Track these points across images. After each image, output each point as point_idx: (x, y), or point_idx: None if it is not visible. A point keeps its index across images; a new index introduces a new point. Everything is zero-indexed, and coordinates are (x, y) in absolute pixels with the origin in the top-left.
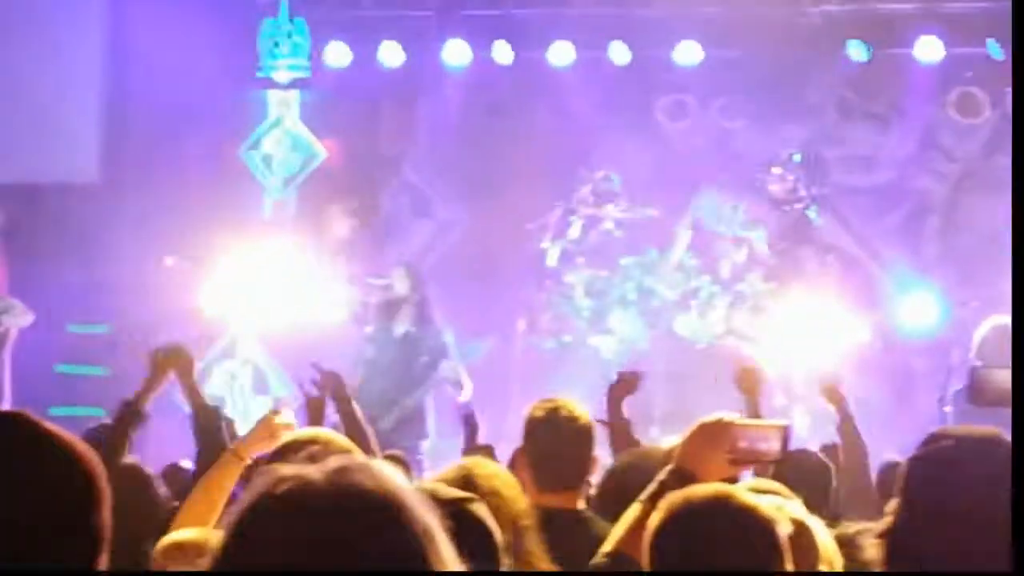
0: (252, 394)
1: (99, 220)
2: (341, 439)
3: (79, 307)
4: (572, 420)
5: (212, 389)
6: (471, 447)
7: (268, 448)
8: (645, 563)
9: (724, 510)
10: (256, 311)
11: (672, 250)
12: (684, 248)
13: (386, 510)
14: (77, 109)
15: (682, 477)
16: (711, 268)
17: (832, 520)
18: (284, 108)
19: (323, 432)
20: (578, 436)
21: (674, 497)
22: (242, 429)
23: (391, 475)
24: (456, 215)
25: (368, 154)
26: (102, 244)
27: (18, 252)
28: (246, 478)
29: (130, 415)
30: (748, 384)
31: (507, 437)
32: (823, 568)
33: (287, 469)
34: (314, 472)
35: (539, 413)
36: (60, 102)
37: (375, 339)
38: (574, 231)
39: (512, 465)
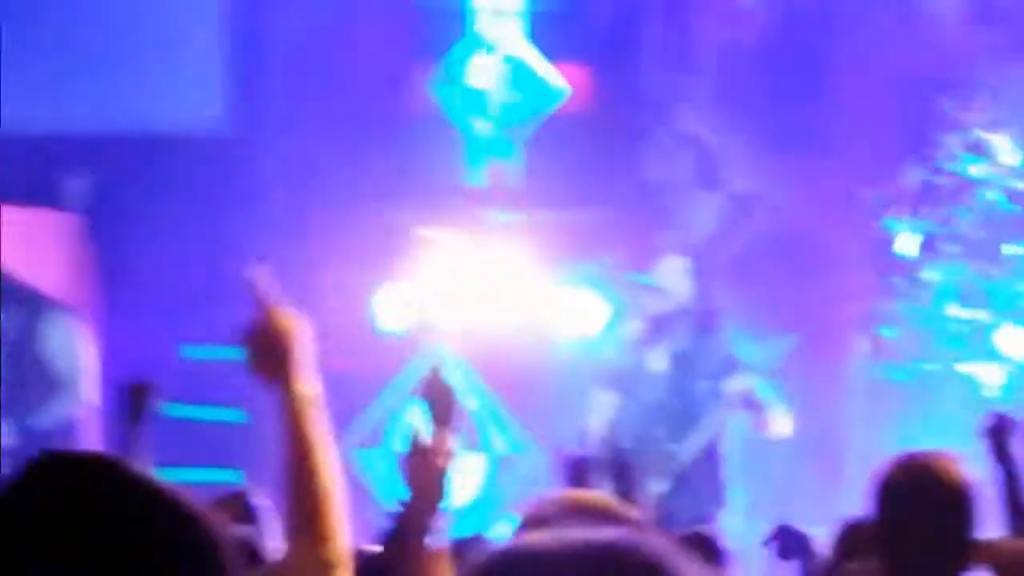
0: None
1: (226, 189)
2: (626, 510)
3: (196, 317)
4: (947, 485)
5: (400, 439)
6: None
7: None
8: None
9: None
10: (461, 327)
11: None
12: None
13: None
14: (197, 40)
15: None
16: None
17: None
18: (500, 23)
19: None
20: (955, 508)
21: None
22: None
23: (658, 556)
24: (757, 184)
25: (627, 94)
26: (228, 224)
27: (109, 232)
28: None
29: None
30: None
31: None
32: None
33: (522, 539)
34: (552, 543)
35: (899, 475)
36: (174, 32)
37: (635, 366)
38: (938, 204)
39: (852, 544)
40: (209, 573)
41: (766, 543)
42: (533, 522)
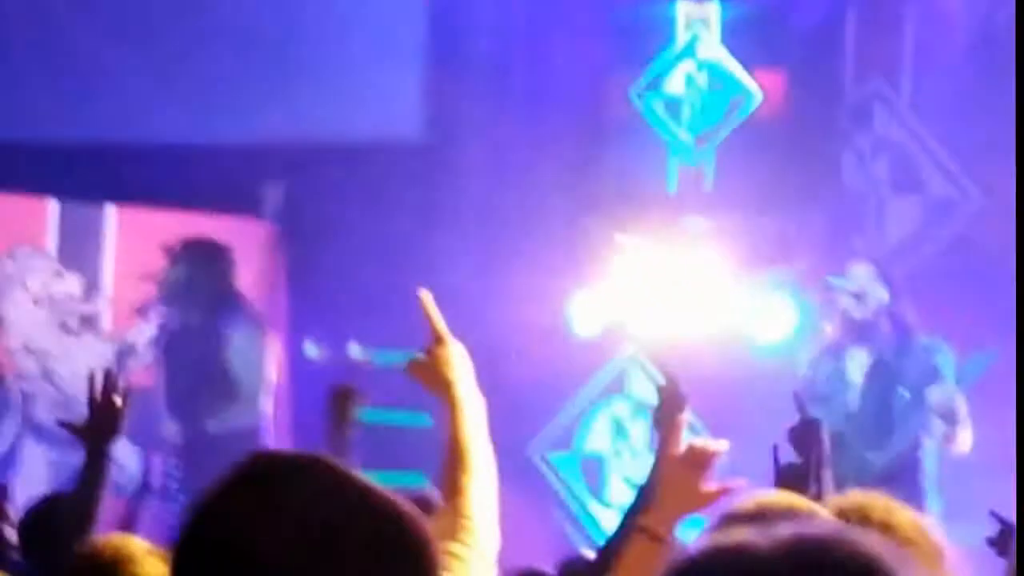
0: (647, 453)
1: (422, 195)
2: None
3: (387, 323)
4: None
5: (591, 442)
6: None
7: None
8: None
9: None
10: (656, 331)
11: None
12: None
13: None
14: (397, 48)
15: None
16: None
17: None
18: (699, 27)
19: (801, 501)
20: None
21: None
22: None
23: (873, 552)
24: (961, 189)
25: (825, 97)
26: (423, 230)
27: (303, 242)
28: None
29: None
30: None
31: None
32: None
33: (726, 536)
34: (760, 540)
35: None
36: (374, 40)
37: (833, 372)
38: None
39: None
40: (418, 570)
41: (992, 542)
42: (727, 522)
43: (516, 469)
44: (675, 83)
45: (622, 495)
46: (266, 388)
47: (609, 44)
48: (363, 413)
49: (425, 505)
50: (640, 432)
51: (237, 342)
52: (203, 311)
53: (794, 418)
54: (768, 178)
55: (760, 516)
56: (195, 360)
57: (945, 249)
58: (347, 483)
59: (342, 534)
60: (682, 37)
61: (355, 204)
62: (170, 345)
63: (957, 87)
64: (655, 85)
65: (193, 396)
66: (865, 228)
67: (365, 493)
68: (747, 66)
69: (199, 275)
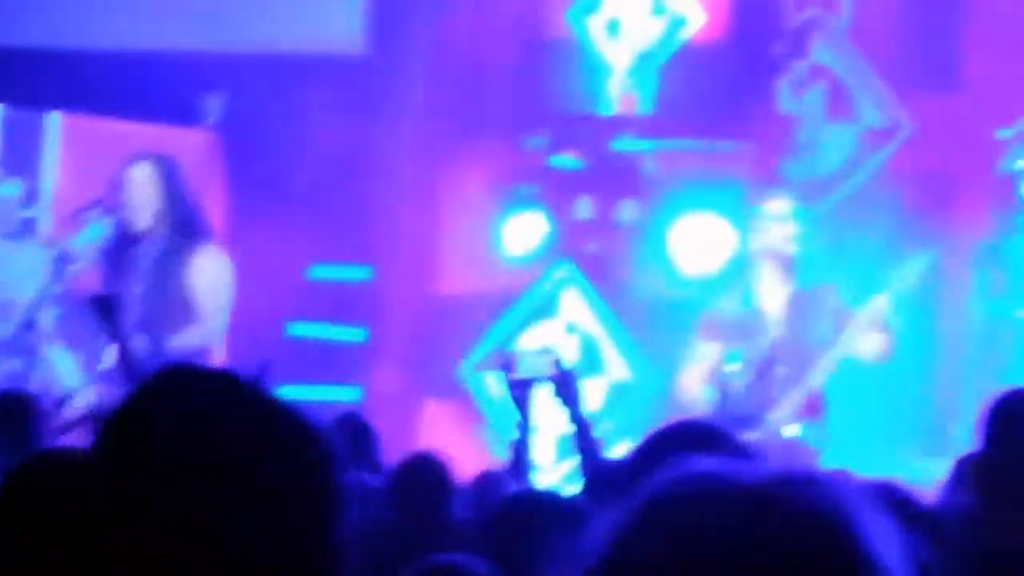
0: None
1: (363, 111)
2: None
3: (327, 240)
4: None
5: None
6: None
7: None
8: None
9: None
10: (587, 253)
11: None
12: None
13: (824, 540)
14: None
15: None
16: None
17: None
18: None
19: None
20: None
21: None
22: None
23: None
24: (891, 118)
25: (761, 22)
26: (366, 146)
27: (241, 154)
28: None
29: None
30: None
31: None
32: None
33: (704, 463)
34: (743, 474)
35: (1008, 408)
36: None
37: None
38: None
39: (957, 484)
40: (318, 488)
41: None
42: (653, 447)
43: (447, 386)
44: (614, 5)
45: (547, 415)
46: (226, 312)
47: None
48: (296, 327)
49: (354, 422)
50: (570, 353)
51: (201, 266)
52: (151, 221)
53: None
54: (705, 102)
55: (685, 442)
56: (144, 272)
57: (873, 180)
58: (252, 397)
59: (236, 448)
60: None
61: (295, 115)
62: (111, 254)
63: (895, 16)
64: (593, 6)
65: (146, 311)
66: (798, 154)
67: (268, 409)
68: None
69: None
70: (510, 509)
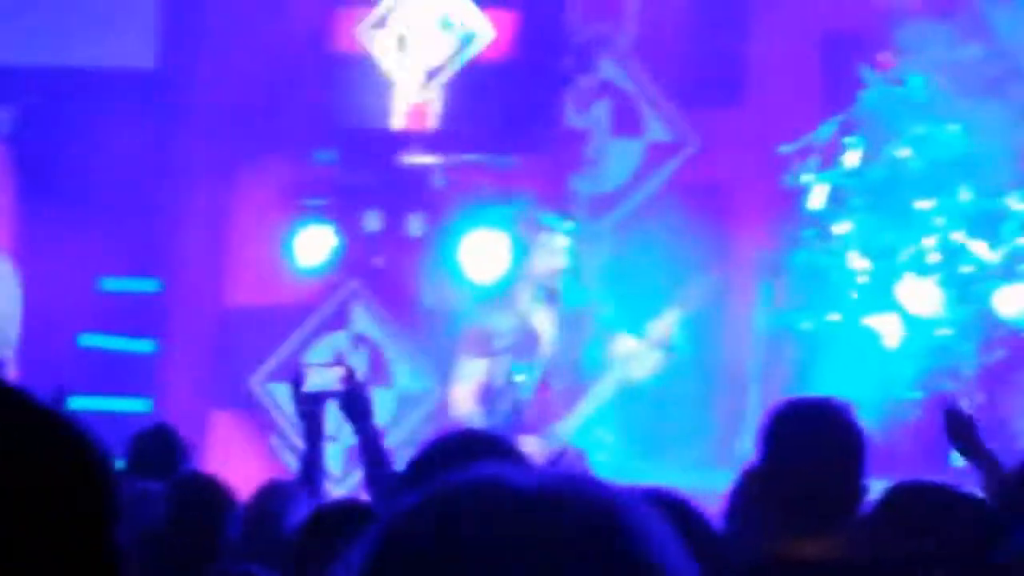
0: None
1: (154, 124)
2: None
3: (117, 252)
4: (838, 427)
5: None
6: None
7: None
8: None
9: None
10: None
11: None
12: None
13: (597, 536)
14: None
15: None
16: None
17: None
18: None
19: None
20: (846, 451)
21: None
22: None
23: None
24: (676, 133)
25: (549, 38)
26: (157, 159)
27: (32, 166)
28: None
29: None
30: None
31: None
32: None
33: (480, 468)
34: (515, 474)
35: (787, 418)
36: None
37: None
38: (852, 158)
39: (739, 495)
40: (89, 499)
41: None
42: (434, 455)
43: (239, 398)
44: (404, 19)
45: (339, 428)
46: (15, 323)
47: None
48: (85, 339)
49: (164, 433)
50: (359, 365)
51: None
52: None
53: None
54: (493, 117)
55: (463, 453)
56: None
57: (662, 193)
58: (26, 411)
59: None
60: None
61: (87, 128)
62: None
63: (681, 33)
64: (382, 22)
65: None
66: (585, 168)
67: (44, 423)
68: (480, 4)
69: None
70: (316, 521)
